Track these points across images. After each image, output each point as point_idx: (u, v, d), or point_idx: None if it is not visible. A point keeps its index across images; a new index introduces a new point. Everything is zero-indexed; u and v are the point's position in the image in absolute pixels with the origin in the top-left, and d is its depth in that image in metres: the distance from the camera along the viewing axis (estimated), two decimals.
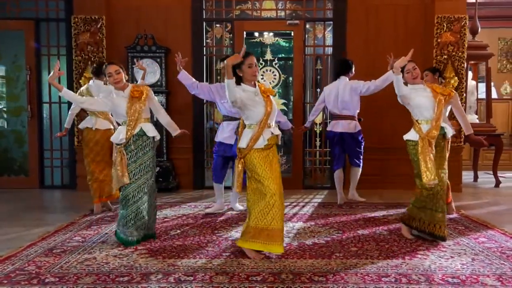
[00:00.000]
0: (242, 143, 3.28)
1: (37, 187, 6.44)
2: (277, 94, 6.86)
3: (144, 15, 6.26)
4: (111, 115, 4.54)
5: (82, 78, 6.04)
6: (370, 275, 2.89)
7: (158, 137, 3.76)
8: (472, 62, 7.07)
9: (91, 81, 4.88)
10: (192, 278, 2.84)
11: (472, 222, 4.36)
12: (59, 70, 3.58)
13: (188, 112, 6.27)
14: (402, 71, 3.71)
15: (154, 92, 5.52)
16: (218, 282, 2.78)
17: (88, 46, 6.11)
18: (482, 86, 7.63)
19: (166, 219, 4.48)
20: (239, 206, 4.93)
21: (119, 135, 3.63)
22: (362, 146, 5.19)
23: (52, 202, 5.80)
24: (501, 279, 2.84)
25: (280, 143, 3.49)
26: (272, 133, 3.31)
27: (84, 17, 6.08)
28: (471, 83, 7.01)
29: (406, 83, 3.77)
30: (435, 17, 6.09)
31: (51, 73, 3.56)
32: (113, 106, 3.68)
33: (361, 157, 5.19)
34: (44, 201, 5.79)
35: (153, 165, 3.71)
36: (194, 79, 4.72)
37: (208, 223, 4.31)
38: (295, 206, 5.19)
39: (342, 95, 5.01)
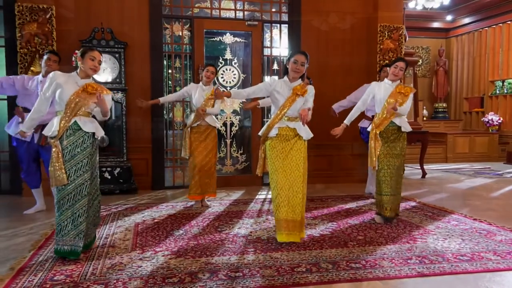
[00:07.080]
0: (260, 131, 3.69)
1: None
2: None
3: (97, 7, 5.91)
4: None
5: (29, 72, 5.50)
6: (396, 259, 3.18)
7: (99, 134, 3.31)
8: None
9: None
10: (241, 274, 2.86)
11: (432, 209, 4.94)
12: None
13: (147, 110, 6.03)
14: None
15: (112, 90, 5.29)
16: (269, 276, 2.84)
17: (36, 37, 5.59)
18: None
19: (155, 220, 4.35)
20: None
21: (52, 127, 3.21)
22: None
23: (5, 210, 5.11)
24: (497, 254, 3.33)
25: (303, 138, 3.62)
26: (287, 126, 3.54)
27: (30, 6, 5.55)
28: None
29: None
30: (378, 26, 6.72)
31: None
32: (61, 91, 3.18)
33: None
34: None
35: (93, 164, 3.26)
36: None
37: (204, 222, 4.27)
38: (270, 202, 5.34)
39: None
